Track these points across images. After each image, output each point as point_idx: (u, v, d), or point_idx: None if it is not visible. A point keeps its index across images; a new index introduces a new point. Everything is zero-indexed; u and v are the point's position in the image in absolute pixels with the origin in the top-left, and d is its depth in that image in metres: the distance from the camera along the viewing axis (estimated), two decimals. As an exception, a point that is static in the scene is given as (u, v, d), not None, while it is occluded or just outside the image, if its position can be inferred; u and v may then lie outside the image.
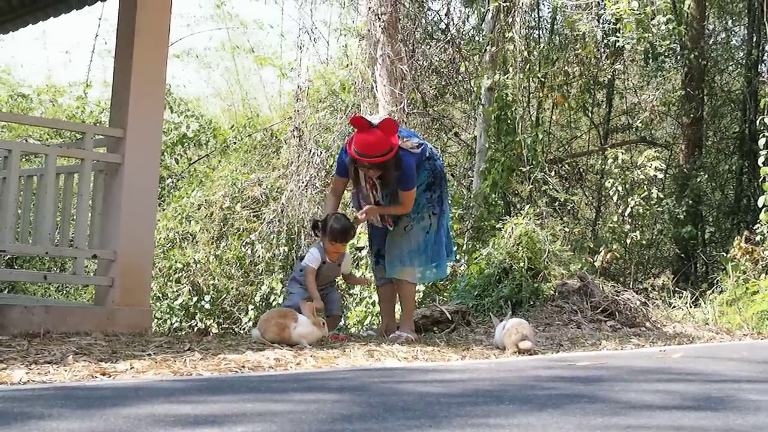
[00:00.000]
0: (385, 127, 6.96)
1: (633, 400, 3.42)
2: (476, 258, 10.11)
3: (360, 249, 12.40)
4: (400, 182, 7.20)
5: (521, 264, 9.40)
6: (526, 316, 8.97)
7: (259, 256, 15.41)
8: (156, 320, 14.73)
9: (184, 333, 7.52)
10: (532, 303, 9.25)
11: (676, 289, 15.57)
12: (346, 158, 7.28)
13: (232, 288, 15.34)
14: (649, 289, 15.32)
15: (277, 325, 6.50)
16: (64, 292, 16.07)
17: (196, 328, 8.20)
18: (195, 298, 14.99)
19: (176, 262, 15.14)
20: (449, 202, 7.82)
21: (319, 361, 5.94)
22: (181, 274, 15.23)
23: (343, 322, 11.28)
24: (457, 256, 8.03)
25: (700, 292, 14.98)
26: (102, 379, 4.90)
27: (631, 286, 17.08)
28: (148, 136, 8.03)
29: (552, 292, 9.30)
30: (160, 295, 14.91)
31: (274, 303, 14.79)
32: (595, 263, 15.24)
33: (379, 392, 3.63)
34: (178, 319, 14.78)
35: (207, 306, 15.06)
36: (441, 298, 9.54)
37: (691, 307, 13.65)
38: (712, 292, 14.10)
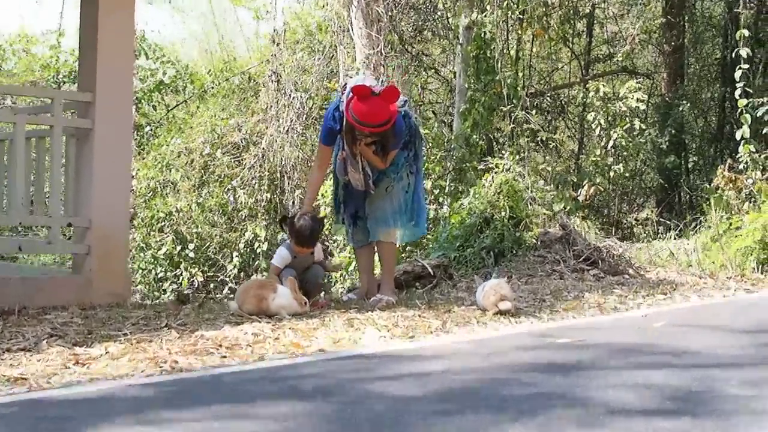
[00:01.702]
0: (387, 94, 6.79)
1: (611, 402, 3.32)
2: (457, 208, 9.97)
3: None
4: (393, 142, 7.07)
5: (503, 213, 9.28)
6: (509, 267, 8.88)
7: (241, 203, 15.27)
8: (141, 270, 14.65)
9: (162, 304, 7.35)
10: (514, 252, 9.14)
11: (660, 219, 15.51)
12: (335, 125, 7.09)
13: (215, 235, 15.22)
14: (633, 223, 15.26)
15: (256, 296, 6.39)
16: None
17: (175, 295, 8.03)
18: (179, 247, 14.87)
19: (158, 211, 14.99)
20: (422, 160, 7.66)
21: (299, 335, 5.84)
22: (163, 223, 15.09)
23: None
24: (426, 228, 7.91)
25: (684, 223, 14.91)
26: (74, 370, 4.77)
27: (615, 218, 17.06)
28: (118, 99, 7.83)
29: (534, 241, 9.20)
30: (144, 246, 14.79)
31: (258, 249, 14.69)
32: (578, 197, 15.15)
33: (351, 398, 3.52)
34: (163, 269, 14.68)
35: (191, 254, 14.95)
36: (422, 251, 9.40)
37: (675, 240, 13.60)
38: (696, 226, 14.02)
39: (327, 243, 12.71)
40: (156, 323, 6.19)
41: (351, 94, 6.87)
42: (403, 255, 10.28)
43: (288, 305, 6.41)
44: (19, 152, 7.46)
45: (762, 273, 10.02)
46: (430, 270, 8.40)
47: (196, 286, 14.84)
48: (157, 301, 12.12)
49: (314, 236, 6.85)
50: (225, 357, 5.18)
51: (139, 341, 5.58)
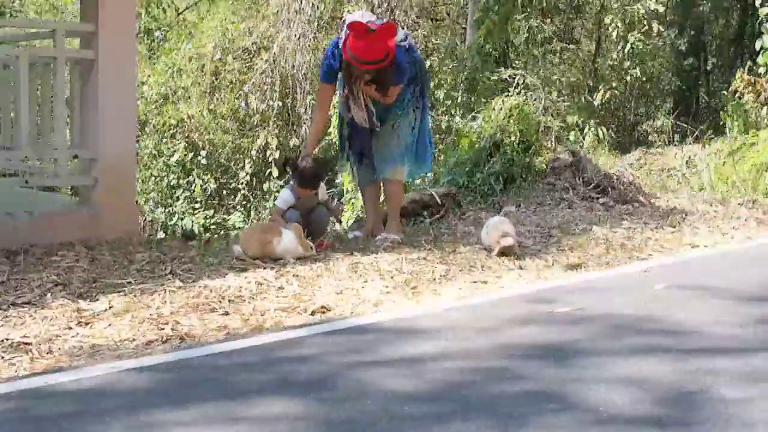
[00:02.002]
0: (384, 31, 6.65)
1: (601, 406, 3.32)
2: (467, 131, 9.86)
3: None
4: (396, 78, 6.95)
5: (513, 138, 9.17)
6: (518, 195, 8.83)
7: (253, 108, 15.16)
8: (153, 178, 14.65)
9: (168, 242, 7.35)
10: (524, 178, 9.07)
11: (677, 123, 15.33)
12: (334, 63, 6.98)
13: (227, 142, 15.17)
14: (649, 131, 15.10)
15: (259, 240, 6.38)
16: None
17: (181, 232, 8.06)
18: (191, 155, 14.84)
19: (170, 118, 14.91)
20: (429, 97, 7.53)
21: (302, 283, 5.85)
22: (175, 130, 15.03)
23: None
24: (431, 164, 7.85)
25: (700, 130, 14.75)
26: (77, 332, 4.80)
27: (631, 122, 16.88)
28: (121, 30, 7.70)
29: (544, 167, 9.11)
30: (156, 153, 14.77)
31: (270, 157, 14.63)
32: (594, 101, 14.98)
33: (343, 393, 3.53)
34: (175, 177, 14.68)
35: (203, 161, 14.93)
36: (432, 178, 9.33)
37: (690, 146, 13.46)
38: (713, 133, 13.86)
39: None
40: (161, 269, 6.20)
41: (348, 31, 6.75)
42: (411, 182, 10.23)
43: (293, 249, 6.40)
44: (23, 87, 7.38)
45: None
46: (437, 199, 8.36)
47: (209, 192, 14.85)
48: (167, 232, 12.13)
49: (317, 177, 6.80)
50: (227, 314, 5.18)
51: (143, 292, 5.59)
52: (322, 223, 6.97)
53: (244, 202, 14.77)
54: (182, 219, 14.04)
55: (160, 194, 14.43)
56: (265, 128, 14.99)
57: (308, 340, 4.27)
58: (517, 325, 4.43)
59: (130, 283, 5.84)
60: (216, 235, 8.50)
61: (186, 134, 15.01)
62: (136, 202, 9.36)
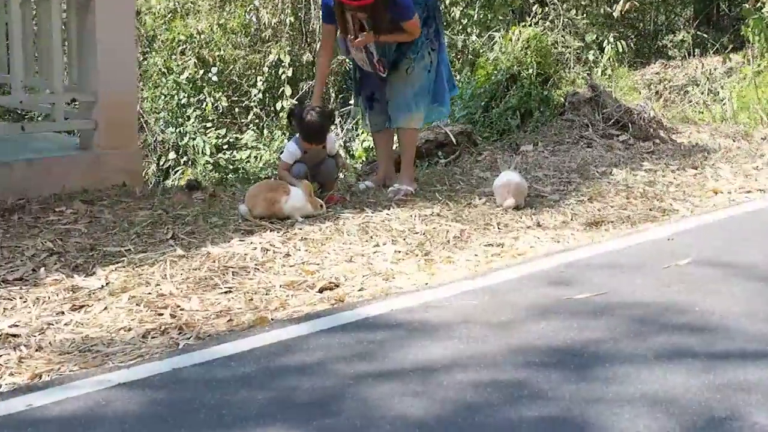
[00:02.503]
0: None
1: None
2: (483, 62, 9.36)
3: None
4: (398, 15, 6.47)
5: (530, 70, 8.67)
6: (535, 132, 8.39)
7: (264, 23, 14.59)
8: (163, 96, 14.19)
9: (172, 195, 6.98)
10: (541, 112, 8.61)
11: (697, 33, 14.73)
12: (330, 1, 6.51)
13: (239, 58, 14.63)
14: (669, 45, 14.50)
15: (266, 200, 6.02)
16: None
17: (185, 183, 7.67)
18: (201, 71, 14.33)
19: (179, 33, 14.36)
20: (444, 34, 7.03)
21: (310, 249, 5.51)
22: (184, 46, 14.49)
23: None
24: (458, 88, 7.34)
25: (721, 43, 14.17)
26: (70, 319, 4.48)
27: (650, 31, 16.23)
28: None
29: (562, 100, 8.63)
30: (165, 70, 14.25)
31: (282, 75, 14.14)
32: (614, 14, 14.39)
33: (349, 419, 3.21)
34: (186, 95, 14.19)
35: (214, 78, 14.42)
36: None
37: (711, 58, 12.92)
38: (732, 50, 13.29)
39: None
40: (162, 232, 5.86)
41: None
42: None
43: (301, 207, 6.04)
44: (16, 27, 6.96)
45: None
46: (452, 138, 7.94)
47: (220, 111, 14.41)
48: (171, 183, 11.73)
49: (323, 131, 6.38)
50: (230, 292, 4.86)
51: (142, 263, 5.27)
52: (332, 177, 6.57)
53: (257, 121, 14.32)
54: (194, 139, 13.62)
55: (170, 113, 13.97)
56: (277, 43, 14.46)
57: (312, 341, 3.93)
58: (534, 318, 4.07)
59: (129, 251, 5.51)
60: (222, 185, 8.07)
61: (196, 50, 14.48)
62: (141, 145, 9.01)
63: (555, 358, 3.63)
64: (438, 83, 6.82)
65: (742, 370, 3.43)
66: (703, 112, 9.93)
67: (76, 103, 7.64)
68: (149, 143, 13.71)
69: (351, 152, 10.94)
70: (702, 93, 10.51)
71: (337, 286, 4.90)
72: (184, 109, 14.12)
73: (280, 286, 4.92)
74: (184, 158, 13.71)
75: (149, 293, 4.84)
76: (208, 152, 13.54)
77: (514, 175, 6.33)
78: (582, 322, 3.99)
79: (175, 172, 13.64)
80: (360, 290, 4.84)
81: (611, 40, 12.57)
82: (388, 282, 4.93)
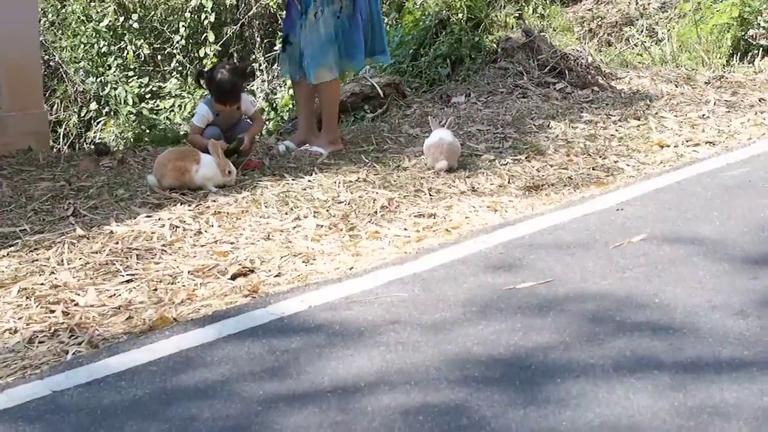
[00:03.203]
0: None
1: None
2: (411, 7, 8.66)
3: None
4: None
5: (460, 15, 8.01)
6: (468, 81, 7.77)
7: (186, -35, 13.69)
8: (83, 45, 13.28)
9: (78, 159, 6.28)
10: (473, 59, 7.97)
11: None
12: None
13: (160, 3, 13.75)
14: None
15: (176, 169, 5.36)
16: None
17: (93, 148, 6.92)
18: (122, 18, 13.43)
19: (98, -23, 13.42)
20: None
21: (224, 225, 4.88)
22: (104, -10, 13.56)
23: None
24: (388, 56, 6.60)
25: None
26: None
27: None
28: None
29: (494, 46, 7.99)
30: (84, 18, 13.32)
31: (205, 20, 13.31)
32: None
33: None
34: (106, 43, 13.30)
35: (135, 25, 13.53)
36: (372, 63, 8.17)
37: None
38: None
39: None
40: (62, 207, 5.21)
41: None
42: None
43: (213, 176, 5.41)
44: None
45: (738, 63, 8.97)
46: (379, 90, 7.30)
47: (142, 59, 13.55)
48: (78, 149, 10.92)
49: (236, 90, 5.70)
50: (131, 281, 4.24)
51: (38, 245, 4.65)
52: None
53: (180, 68, 13.50)
54: (115, 88, 12.78)
55: (90, 63, 13.09)
56: (199, -13, 13.56)
57: (218, 350, 3.34)
58: (471, 317, 3.51)
59: (24, 231, 4.87)
60: (136, 145, 7.33)
61: (116, -5, 13.56)
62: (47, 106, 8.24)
63: (498, 371, 3.07)
64: (351, 33, 6.10)
65: (717, 386, 2.88)
66: (641, 55, 9.35)
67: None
68: (69, 94, 12.86)
69: (275, 105, 10.21)
70: (639, 33, 9.90)
71: (252, 272, 4.31)
72: (104, 58, 13.25)
73: (189, 272, 4.32)
74: (106, 108, 12.88)
75: (42, 284, 4.23)
76: (130, 102, 12.72)
77: (447, 134, 5.75)
78: (527, 321, 3.43)
79: (97, 123, 12.84)
80: (276, 276, 4.27)
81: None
82: (308, 265, 4.35)
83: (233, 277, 4.26)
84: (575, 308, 3.56)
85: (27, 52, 6.66)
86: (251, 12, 13.57)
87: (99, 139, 12.70)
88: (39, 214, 5.12)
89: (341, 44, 6.09)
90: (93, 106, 12.96)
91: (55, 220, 5.03)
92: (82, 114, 12.94)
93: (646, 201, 4.86)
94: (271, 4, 12.84)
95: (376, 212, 5.05)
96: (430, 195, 5.34)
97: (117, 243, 4.67)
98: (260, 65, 13.37)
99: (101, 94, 12.97)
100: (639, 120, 6.92)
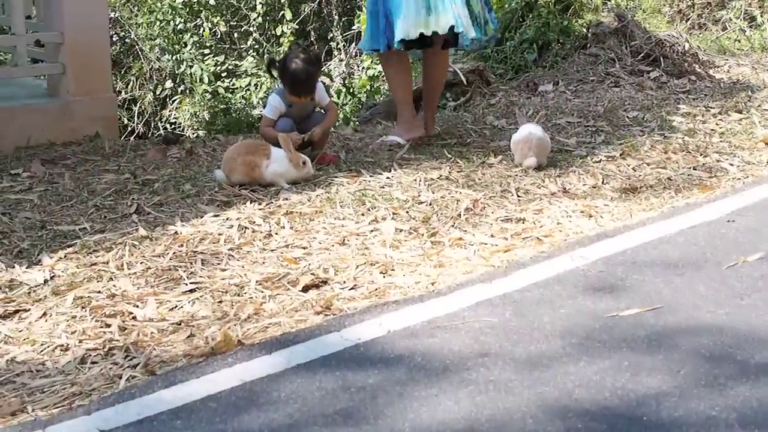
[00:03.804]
0: None
1: None
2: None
3: None
4: None
5: (549, -3, 7.48)
6: (555, 68, 7.25)
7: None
8: (159, 22, 13.01)
9: (146, 148, 5.94)
10: (561, 44, 7.44)
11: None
12: None
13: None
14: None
15: (245, 164, 4.97)
16: None
17: (161, 136, 6.53)
18: (199, -5, 13.12)
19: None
20: None
21: (296, 227, 4.48)
22: (181, -33, 13.24)
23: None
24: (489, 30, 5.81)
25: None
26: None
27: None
28: None
29: (584, 30, 7.44)
30: (160, -6, 13.03)
31: (283, -3, 12.92)
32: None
33: None
34: (182, 19, 13.00)
35: (212, 2, 13.22)
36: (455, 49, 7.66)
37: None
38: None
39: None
40: (125, 204, 4.84)
41: None
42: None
43: (285, 172, 5.00)
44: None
45: None
46: (462, 77, 6.81)
47: (218, 36, 13.24)
48: (148, 136, 10.64)
49: (311, 80, 5.27)
50: (195, 290, 3.86)
51: (97, 248, 4.28)
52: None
53: (257, 47, 13.15)
54: (191, 66, 12.48)
55: (166, 40, 12.80)
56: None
57: (285, 384, 2.95)
58: (571, 351, 3.05)
59: (84, 230, 4.51)
60: (200, 137, 6.96)
61: (192, -30, 13.24)
62: (113, 89, 7.93)
63: (604, 422, 2.62)
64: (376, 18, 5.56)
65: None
66: (739, 40, 8.68)
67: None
68: (144, 72, 12.59)
69: (351, 89, 9.77)
70: (736, 17, 9.22)
71: (325, 283, 3.90)
72: (180, 35, 12.96)
73: (257, 282, 3.91)
74: (182, 87, 12.59)
75: (99, 292, 3.86)
76: (206, 80, 12.40)
77: (536, 129, 5.27)
78: (635, 359, 2.96)
79: (173, 102, 12.57)
80: (351, 289, 3.84)
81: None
82: (386, 277, 3.92)
83: (305, 289, 3.85)
84: (689, 343, 3.08)
85: (95, 33, 6.33)
86: (330, -11, 13.15)
87: (174, 118, 12.45)
88: (101, 210, 4.77)
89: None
90: (168, 84, 12.69)
91: (117, 217, 4.68)
92: (158, 92, 12.69)
93: (759, 211, 4.33)
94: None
95: (459, 215, 4.61)
96: (518, 196, 4.88)
97: (181, 246, 4.30)
98: (338, 44, 12.97)
99: (177, 72, 12.70)
100: (741, 113, 6.35)
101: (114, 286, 3.93)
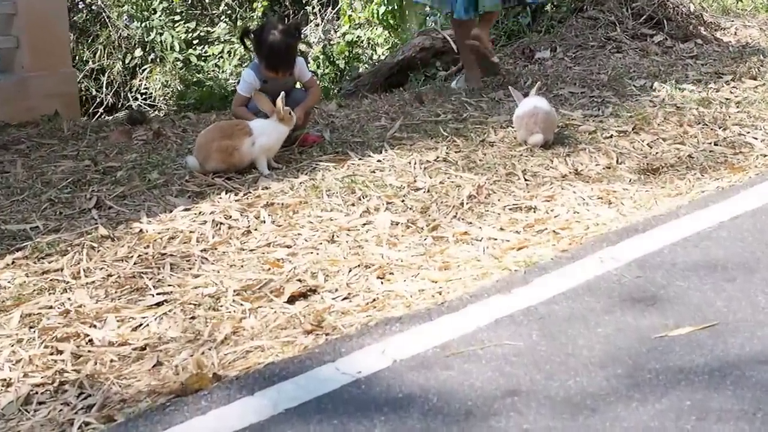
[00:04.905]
0: None
1: None
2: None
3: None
4: None
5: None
6: (552, 32, 6.62)
7: None
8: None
9: (108, 130, 5.27)
10: (556, 6, 6.79)
11: None
12: None
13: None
14: None
15: (222, 149, 4.34)
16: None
17: (126, 115, 5.77)
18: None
19: None
20: None
21: (279, 222, 3.87)
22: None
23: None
24: None
25: None
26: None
27: None
28: None
29: (582, -9, 6.80)
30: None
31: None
32: None
33: None
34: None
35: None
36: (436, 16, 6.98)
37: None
38: None
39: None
40: (84, 197, 4.21)
41: None
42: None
43: (272, 145, 4.38)
44: None
45: None
46: (452, 44, 6.16)
47: (189, 1, 12.49)
48: (118, 108, 9.92)
49: (290, 55, 4.62)
50: (163, 304, 3.26)
51: (50, 251, 3.66)
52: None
53: (229, 12, 12.41)
54: (161, 34, 11.73)
55: (134, 6, 12.04)
56: None
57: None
58: (619, 383, 2.47)
59: (36, 229, 3.86)
60: (170, 116, 6.25)
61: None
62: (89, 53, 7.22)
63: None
64: None
65: None
66: (742, 0, 8.05)
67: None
68: (112, 40, 11.82)
69: (331, 56, 9.08)
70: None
71: (314, 291, 3.29)
72: (149, 1, 12.18)
73: (235, 291, 3.28)
74: (152, 55, 11.84)
75: (51, 308, 3.26)
76: (177, 48, 11.65)
77: (542, 102, 4.67)
78: (697, 396, 2.39)
79: (143, 71, 11.83)
80: (345, 299, 3.23)
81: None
82: (384, 284, 3.31)
83: (291, 300, 3.25)
84: (760, 373, 2.49)
85: (51, 2, 5.66)
86: (305, -49, 12.41)
87: (144, 88, 11.72)
88: (56, 205, 4.13)
89: None
90: (138, 52, 11.97)
91: (74, 213, 4.05)
92: (127, 61, 11.94)
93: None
94: None
95: (462, 203, 4.01)
96: (526, 180, 4.28)
97: (147, 247, 3.68)
98: (313, 8, 12.26)
99: (146, 39, 11.95)
100: (755, 80, 5.76)
101: (68, 299, 3.32)
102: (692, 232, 3.43)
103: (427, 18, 7.17)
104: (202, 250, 3.67)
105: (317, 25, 12.06)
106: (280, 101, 4.37)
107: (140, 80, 11.74)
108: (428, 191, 4.16)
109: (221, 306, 3.24)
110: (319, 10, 12.13)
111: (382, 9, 9.83)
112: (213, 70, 11.44)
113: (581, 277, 3.13)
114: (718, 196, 3.85)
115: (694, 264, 3.18)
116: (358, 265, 3.48)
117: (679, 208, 3.72)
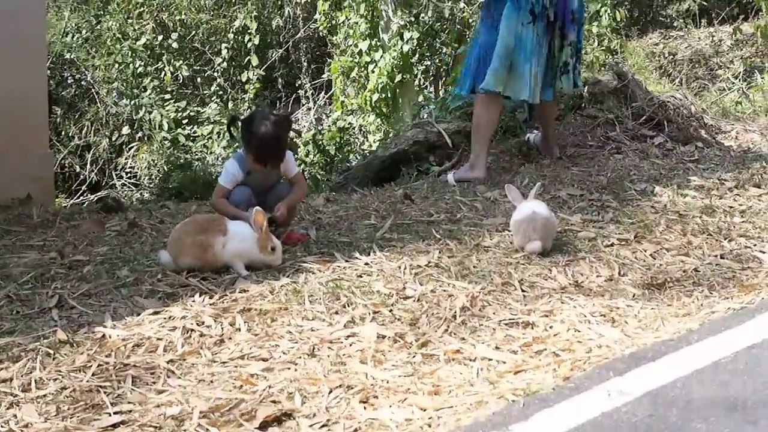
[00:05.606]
0: None
1: None
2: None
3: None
4: None
5: (541, 52, 6.59)
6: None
7: (230, -17, 12.52)
8: (117, 65, 12.10)
9: (80, 219, 4.94)
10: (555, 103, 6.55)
11: (704, 2, 12.73)
12: None
13: (202, 23, 12.54)
14: (674, 15, 12.47)
15: (196, 245, 4.00)
16: None
17: (101, 204, 5.41)
18: (160, 37, 12.24)
19: (135, -6, 12.25)
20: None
21: (256, 330, 3.54)
22: (142, 9, 12.38)
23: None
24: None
25: (727, 11, 12.26)
26: None
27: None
28: None
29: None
30: (120, 36, 12.13)
31: (249, 42, 12.11)
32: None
33: None
34: (142, 63, 12.11)
35: (174, 45, 12.35)
36: (434, 109, 6.76)
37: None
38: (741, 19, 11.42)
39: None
40: (45, 294, 3.84)
41: None
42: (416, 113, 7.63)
43: (246, 251, 4.05)
44: None
45: None
46: (447, 138, 5.91)
47: (180, 81, 12.35)
48: (84, 200, 9.68)
49: (281, 147, 4.32)
50: (119, 426, 2.90)
51: (1, 357, 3.26)
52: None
53: (221, 93, 12.28)
54: (150, 112, 11.54)
55: (125, 83, 11.90)
56: (244, 7, 12.42)
57: None
58: None
59: (-7, 331, 3.48)
60: (147, 206, 5.92)
61: (154, 13, 12.42)
62: (50, 147, 6.95)
63: None
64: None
65: None
66: (740, 103, 7.85)
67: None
68: (100, 116, 11.64)
69: (321, 143, 8.84)
70: (735, 77, 8.41)
71: (289, 416, 2.93)
72: (140, 79, 12.10)
73: (201, 413, 2.92)
74: (140, 133, 11.63)
75: (-7, 430, 2.84)
76: (165, 127, 11.45)
77: (540, 207, 4.38)
78: None
79: (129, 149, 11.61)
80: (324, 427, 2.87)
81: (609, 4, 10.46)
82: (368, 410, 2.96)
83: (263, 426, 2.89)
84: None
85: (32, 86, 5.39)
86: (298, 35, 12.33)
87: (129, 167, 11.47)
88: (14, 303, 3.78)
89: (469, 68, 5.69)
90: (125, 130, 11.78)
91: (33, 313, 3.69)
92: (114, 138, 11.73)
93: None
94: (319, 26, 11.57)
95: (455, 316, 3.69)
96: (523, 291, 3.96)
97: (109, 355, 3.33)
98: (306, 92, 12.12)
99: (135, 117, 11.78)
100: (759, 188, 5.50)
101: (14, 416, 2.94)
102: (707, 362, 3.11)
103: (422, 109, 6.93)
104: (168, 361, 3.32)
105: (309, 108, 11.90)
106: (266, 232, 4.05)
107: (126, 158, 11.51)
108: (418, 300, 3.84)
109: (185, 430, 2.88)
110: (312, 94, 11.99)
111: (375, 96, 9.67)
112: (201, 151, 11.23)
113: (587, 413, 2.79)
114: (731, 319, 3.53)
115: (711, 401, 2.84)
116: (340, 386, 3.14)
117: (690, 333, 3.39)
